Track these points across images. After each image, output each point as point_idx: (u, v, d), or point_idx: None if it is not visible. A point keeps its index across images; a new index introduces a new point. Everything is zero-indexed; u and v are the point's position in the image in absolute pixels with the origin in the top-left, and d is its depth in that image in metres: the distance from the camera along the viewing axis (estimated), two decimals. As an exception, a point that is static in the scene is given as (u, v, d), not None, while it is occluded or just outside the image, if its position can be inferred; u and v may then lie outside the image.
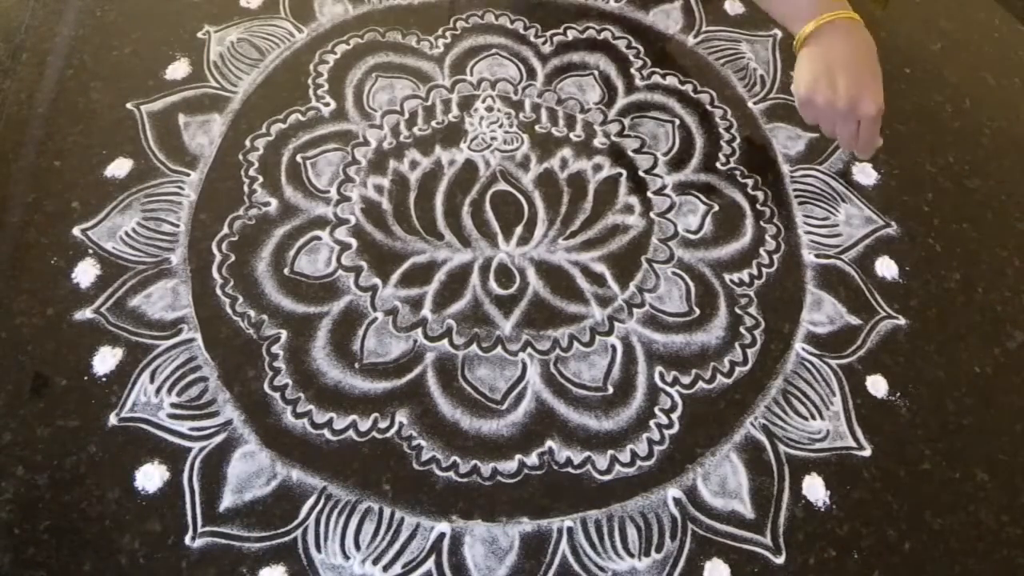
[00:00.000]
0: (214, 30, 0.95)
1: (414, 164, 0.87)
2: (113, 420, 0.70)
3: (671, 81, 0.95)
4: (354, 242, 0.81)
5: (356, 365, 0.74)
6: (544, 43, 0.97)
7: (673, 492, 0.70)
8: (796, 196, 0.87)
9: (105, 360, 0.73)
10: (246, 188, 0.84)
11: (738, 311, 0.79)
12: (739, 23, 1.00)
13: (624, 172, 0.87)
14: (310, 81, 0.92)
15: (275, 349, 0.75)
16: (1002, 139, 0.93)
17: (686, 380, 0.75)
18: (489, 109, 0.91)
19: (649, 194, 0.86)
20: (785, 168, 0.89)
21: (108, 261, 0.79)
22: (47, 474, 0.68)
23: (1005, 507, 0.71)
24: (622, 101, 0.93)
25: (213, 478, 0.68)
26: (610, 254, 0.82)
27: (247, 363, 0.74)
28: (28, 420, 0.70)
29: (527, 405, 0.73)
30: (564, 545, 0.67)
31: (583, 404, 0.74)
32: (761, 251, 0.83)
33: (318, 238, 0.81)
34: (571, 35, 0.98)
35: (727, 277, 0.81)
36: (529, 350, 0.76)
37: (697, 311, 0.79)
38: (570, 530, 0.67)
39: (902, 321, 0.80)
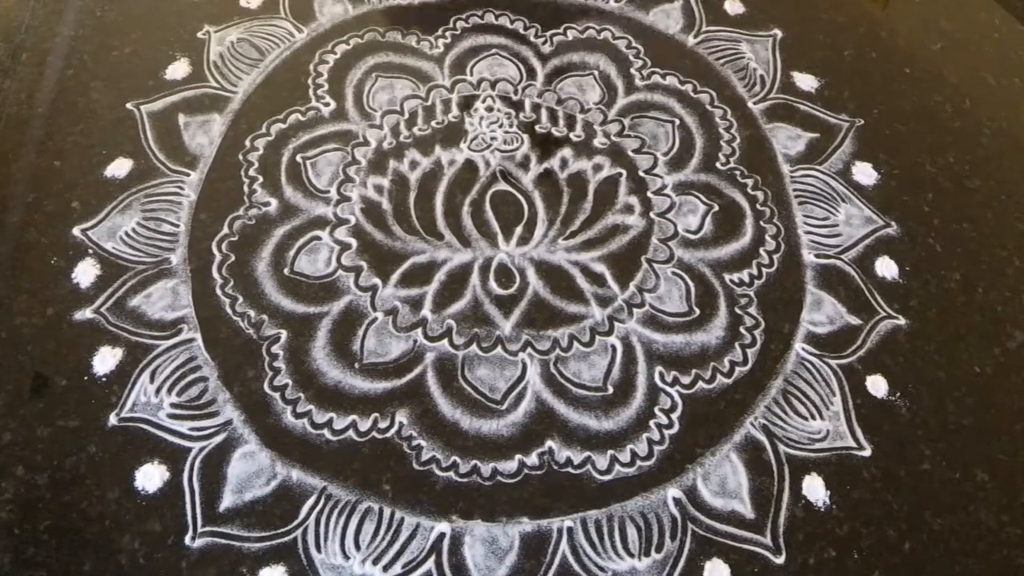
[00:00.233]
0: (214, 30, 0.95)
1: (414, 164, 0.87)
2: (113, 420, 0.70)
3: (671, 81, 0.95)
4: (354, 242, 0.81)
5: (356, 365, 0.75)
6: (544, 43, 0.97)
7: (673, 492, 0.70)
8: (796, 196, 0.87)
9: (105, 360, 0.73)
10: (246, 188, 0.84)
11: (738, 311, 0.79)
12: (739, 23, 1.00)
13: (624, 172, 0.87)
14: (310, 81, 0.92)
15: (275, 349, 0.75)
16: (1002, 139, 0.93)
17: (686, 380, 0.75)
18: (489, 109, 0.91)
19: (649, 194, 0.86)
20: (785, 168, 0.89)
21: (108, 261, 0.79)
22: (47, 474, 0.68)
23: (1005, 507, 0.71)
24: (622, 101, 0.93)
25: (213, 478, 0.68)
26: (610, 254, 0.82)
27: (247, 363, 0.74)
28: (28, 420, 0.70)
29: (527, 405, 0.73)
30: (564, 545, 0.67)
31: (583, 404, 0.74)
32: (761, 251, 0.83)
33: (318, 238, 0.81)
34: (571, 35, 0.98)
35: (727, 277, 0.81)
36: (529, 350, 0.76)
37: (697, 311, 0.79)
38: (570, 530, 0.67)
39: (902, 321, 0.80)
